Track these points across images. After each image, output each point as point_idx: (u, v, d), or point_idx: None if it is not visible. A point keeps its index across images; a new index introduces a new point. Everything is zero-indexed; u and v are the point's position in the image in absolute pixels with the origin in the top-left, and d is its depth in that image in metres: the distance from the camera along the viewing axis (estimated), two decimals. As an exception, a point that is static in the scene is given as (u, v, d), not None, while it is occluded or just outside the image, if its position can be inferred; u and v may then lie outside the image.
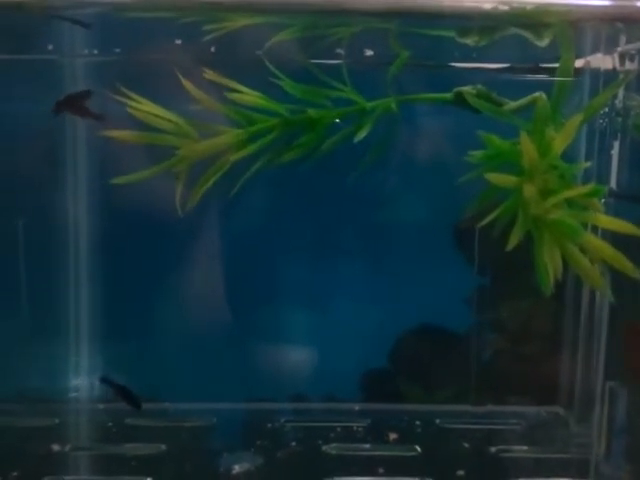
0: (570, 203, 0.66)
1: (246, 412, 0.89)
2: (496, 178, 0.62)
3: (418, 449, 0.79)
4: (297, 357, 0.92)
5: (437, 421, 0.86)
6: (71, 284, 0.90)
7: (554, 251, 0.63)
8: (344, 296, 0.92)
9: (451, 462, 0.76)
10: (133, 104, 0.73)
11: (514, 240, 0.61)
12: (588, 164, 0.72)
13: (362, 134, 0.78)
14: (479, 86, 0.80)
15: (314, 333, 0.92)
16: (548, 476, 0.74)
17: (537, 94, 0.79)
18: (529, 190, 0.60)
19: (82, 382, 0.89)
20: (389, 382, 0.95)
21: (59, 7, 0.72)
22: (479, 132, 0.66)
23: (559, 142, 0.66)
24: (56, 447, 0.78)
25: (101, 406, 0.88)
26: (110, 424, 0.84)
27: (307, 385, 0.92)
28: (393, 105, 0.77)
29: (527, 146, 0.61)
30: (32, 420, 0.85)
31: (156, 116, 0.74)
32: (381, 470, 0.74)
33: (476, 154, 0.71)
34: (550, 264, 0.62)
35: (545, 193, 0.64)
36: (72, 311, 0.90)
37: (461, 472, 0.74)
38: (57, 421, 0.85)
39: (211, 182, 0.78)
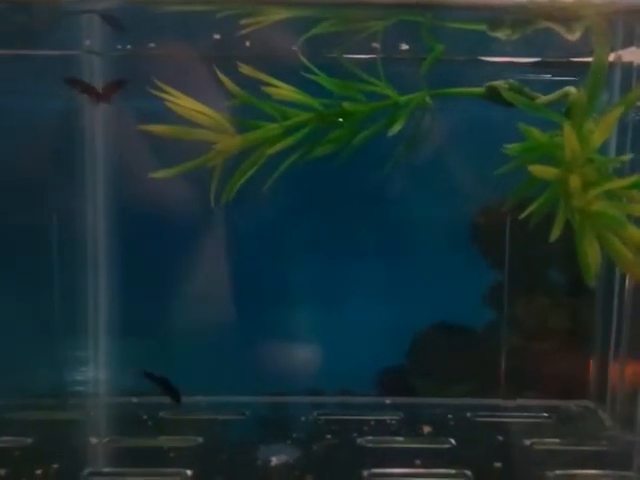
0: (609, 195, 0.66)
1: (275, 406, 0.90)
2: (538, 170, 0.63)
3: (453, 442, 0.80)
4: (314, 353, 0.93)
5: (468, 414, 0.87)
6: (98, 280, 0.91)
7: (594, 243, 0.63)
8: (361, 293, 0.93)
9: (487, 454, 0.77)
10: (170, 98, 0.74)
11: (556, 232, 0.62)
12: (628, 157, 0.72)
13: (396, 128, 0.78)
14: (511, 80, 0.81)
15: (331, 330, 0.92)
16: (584, 468, 0.75)
17: (568, 88, 0.80)
18: (575, 182, 0.60)
19: (115, 376, 0.90)
20: (406, 379, 0.96)
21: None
22: (519, 124, 0.67)
23: (598, 135, 0.66)
24: (94, 440, 0.79)
25: (134, 399, 0.89)
26: (145, 417, 0.85)
27: (324, 381, 0.93)
28: (428, 99, 0.78)
29: (570, 138, 0.62)
30: (66, 414, 0.87)
31: (194, 111, 0.75)
32: (418, 462, 0.74)
33: (513, 147, 0.71)
34: (590, 256, 0.62)
35: (585, 185, 0.65)
36: (98, 306, 0.91)
37: (498, 464, 0.75)
38: (91, 414, 0.86)
39: (246, 176, 0.79)
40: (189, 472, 0.72)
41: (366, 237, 0.93)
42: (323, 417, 0.85)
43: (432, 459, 0.75)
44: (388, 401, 0.89)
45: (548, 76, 0.88)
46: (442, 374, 0.95)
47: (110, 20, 0.81)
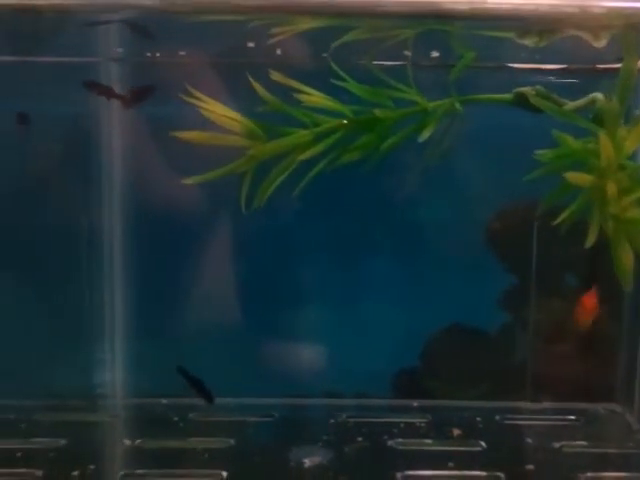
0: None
1: (303, 408, 0.91)
2: (574, 177, 0.63)
3: (483, 444, 0.81)
4: (329, 356, 0.93)
5: (497, 417, 0.87)
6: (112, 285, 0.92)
7: (628, 249, 0.64)
8: (376, 295, 0.94)
9: (518, 457, 0.77)
10: (203, 105, 0.75)
11: (592, 238, 0.62)
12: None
13: (426, 134, 0.79)
14: (538, 87, 0.82)
15: (346, 332, 0.93)
16: (613, 470, 0.75)
17: (594, 94, 0.81)
18: (611, 189, 0.61)
19: (141, 378, 0.91)
20: (420, 381, 0.96)
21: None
22: (553, 131, 0.68)
23: (630, 142, 0.67)
24: (126, 441, 0.80)
25: (164, 401, 0.90)
26: (176, 419, 0.86)
27: (339, 384, 0.94)
28: (458, 105, 0.78)
29: (606, 146, 0.62)
30: (96, 415, 0.88)
31: (225, 117, 0.76)
32: (450, 464, 0.75)
33: (545, 153, 0.72)
34: (625, 262, 0.63)
35: (618, 192, 0.65)
36: (116, 309, 0.92)
37: (530, 466, 0.75)
38: (121, 416, 0.87)
39: (277, 182, 0.80)
40: (224, 474, 0.73)
41: (382, 239, 0.94)
42: (352, 419, 0.86)
43: (464, 461, 0.76)
44: (415, 404, 0.90)
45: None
46: (456, 376, 0.95)
47: (138, 28, 0.82)
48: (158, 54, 0.88)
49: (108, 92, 0.84)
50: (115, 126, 0.89)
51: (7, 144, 0.87)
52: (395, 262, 0.93)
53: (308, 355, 0.93)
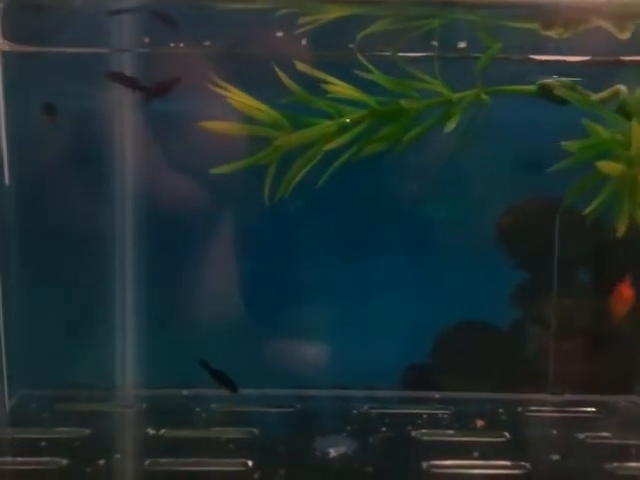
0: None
1: (323, 399, 0.91)
2: (606, 166, 0.63)
3: (507, 435, 0.81)
4: (340, 350, 0.93)
5: (519, 409, 0.87)
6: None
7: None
8: (387, 291, 0.93)
9: (543, 448, 0.77)
10: (231, 95, 0.76)
11: (622, 228, 0.62)
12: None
13: (452, 125, 0.79)
14: (563, 78, 0.82)
15: (357, 327, 0.92)
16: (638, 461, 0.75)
17: (618, 86, 0.81)
18: (646, 177, 0.61)
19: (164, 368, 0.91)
20: (431, 377, 0.96)
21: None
22: (584, 121, 0.68)
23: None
24: (150, 431, 0.80)
25: (185, 392, 0.90)
26: (198, 409, 0.86)
27: (350, 378, 0.93)
28: (484, 96, 0.78)
29: (637, 135, 0.62)
30: (118, 405, 0.87)
31: (253, 107, 0.76)
32: (476, 454, 0.75)
33: (572, 143, 0.72)
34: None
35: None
36: (127, 299, 0.92)
37: (556, 457, 0.75)
38: (144, 406, 0.88)
39: (302, 173, 0.80)
40: (250, 463, 0.73)
41: (393, 235, 0.93)
42: (374, 410, 0.86)
43: (488, 451, 0.76)
44: (437, 396, 0.90)
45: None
46: (467, 372, 0.95)
47: (162, 17, 0.82)
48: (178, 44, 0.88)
49: (132, 83, 0.84)
50: (126, 119, 0.89)
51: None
52: (406, 258, 0.93)
53: (319, 350, 0.93)
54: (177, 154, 0.89)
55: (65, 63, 0.85)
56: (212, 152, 0.85)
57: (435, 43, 0.79)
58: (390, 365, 0.93)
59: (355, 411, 0.86)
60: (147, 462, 0.73)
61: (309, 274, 0.92)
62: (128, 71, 0.85)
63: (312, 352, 0.93)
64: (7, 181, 0.83)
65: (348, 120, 0.78)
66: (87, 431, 0.79)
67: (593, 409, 0.88)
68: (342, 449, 0.75)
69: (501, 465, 0.74)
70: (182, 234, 0.90)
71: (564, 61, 0.85)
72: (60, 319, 0.90)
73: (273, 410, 0.86)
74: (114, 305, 0.90)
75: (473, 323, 0.94)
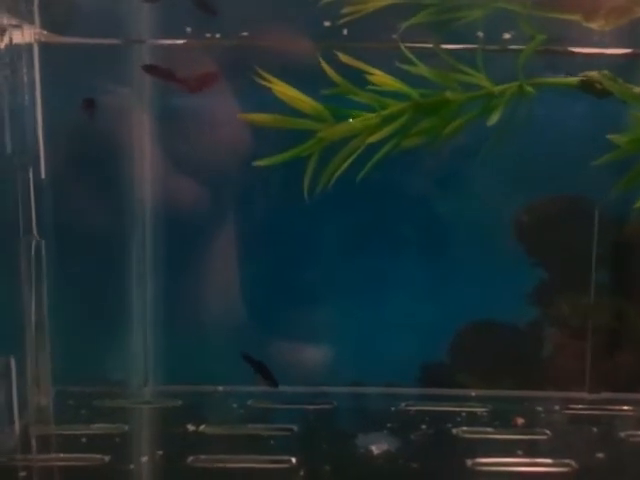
0: None
1: (358, 396, 0.91)
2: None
3: (548, 433, 0.80)
4: (358, 349, 0.93)
5: (556, 407, 0.87)
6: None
7: None
8: (405, 290, 0.93)
9: (586, 446, 0.77)
10: (275, 87, 0.75)
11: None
12: None
13: (494, 118, 0.78)
14: (604, 71, 0.81)
15: (374, 326, 0.92)
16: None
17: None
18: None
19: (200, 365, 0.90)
20: (448, 375, 0.95)
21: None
22: (632, 114, 0.67)
23: None
24: (191, 427, 0.79)
25: (220, 388, 0.90)
26: (235, 405, 0.85)
27: (367, 376, 0.93)
28: (529, 88, 0.77)
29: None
30: (153, 401, 0.87)
31: (297, 99, 0.75)
32: (519, 452, 0.75)
33: (620, 136, 0.71)
34: None
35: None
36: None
37: (600, 455, 0.75)
38: (180, 403, 0.87)
39: (344, 165, 0.79)
40: (293, 459, 0.73)
41: (411, 233, 0.93)
42: (412, 408, 0.85)
43: (532, 449, 0.76)
44: (473, 394, 0.90)
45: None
46: (486, 371, 0.95)
47: (202, 5, 0.81)
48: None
49: (169, 76, 0.83)
50: (146, 116, 0.89)
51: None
52: (424, 257, 0.93)
53: (334, 349, 0.93)
54: (192, 150, 0.89)
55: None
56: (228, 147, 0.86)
57: (480, 34, 0.79)
58: (408, 364, 0.93)
59: (393, 408, 0.85)
60: (190, 459, 0.73)
61: (329, 273, 0.92)
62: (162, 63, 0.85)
63: (329, 350, 0.92)
64: (43, 175, 0.82)
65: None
66: (126, 427, 0.79)
67: (630, 407, 0.88)
68: (384, 446, 0.75)
69: (546, 463, 0.73)
70: (198, 236, 0.90)
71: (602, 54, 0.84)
72: (91, 316, 0.90)
73: (311, 407, 0.85)
74: (143, 300, 0.90)
75: (491, 322, 0.94)
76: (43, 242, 0.73)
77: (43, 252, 0.73)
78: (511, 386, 0.93)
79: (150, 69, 0.83)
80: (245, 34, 0.84)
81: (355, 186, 0.83)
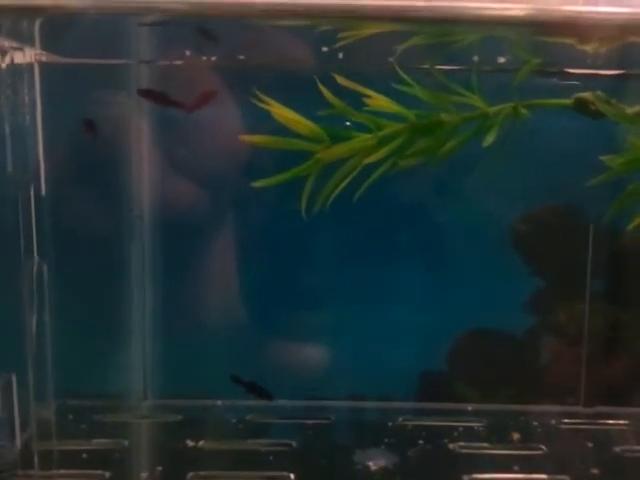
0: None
1: (355, 410, 0.91)
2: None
3: (544, 448, 0.81)
4: (352, 358, 0.93)
5: (552, 421, 0.88)
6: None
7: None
8: (402, 298, 0.93)
9: (581, 461, 0.78)
10: (273, 109, 0.76)
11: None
12: None
13: (490, 139, 0.80)
14: (598, 92, 0.82)
15: (371, 334, 0.93)
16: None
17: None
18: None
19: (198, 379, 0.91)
20: (446, 383, 0.96)
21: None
22: (628, 137, 0.68)
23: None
24: (190, 443, 0.80)
25: (219, 402, 0.90)
26: (234, 421, 0.86)
27: (363, 386, 0.94)
28: (523, 110, 0.79)
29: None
30: (152, 416, 0.88)
31: (293, 120, 0.77)
32: (515, 467, 0.76)
33: (614, 158, 0.72)
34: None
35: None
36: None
37: (595, 470, 0.76)
38: (180, 417, 0.87)
39: (341, 185, 0.80)
40: (292, 476, 0.73)
41: (408, 241, 0.94)
42: (409, 423, 0.86)
43: (527, 465, 0.76)
44: (470, 408, 0.91)
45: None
46: (483, 380, 0.95)
47: (203, 32, 0.82)
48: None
49: (164, 99, 0.84)
50: (144, 127, 0.90)
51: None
52: (422, 266, 0.93)
53: (332, 357, 0.93)
54: (193, 162, 0.90)
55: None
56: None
57: (475, 58, 0.80)
58: (406, 372, 0.93)
59: (390, 423, 0.86)
60: (189, 475, 0.73)
61: (324, 281, 0.92)
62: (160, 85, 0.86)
63: (325, 360, 0.93)
64: (44, 192, 0.84)
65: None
66: (126, 442, 0.80)
67: (625, 421, 0.89)
68: (382, 462, 0.76)
69: (541, 478, 0.74)
70: (198, 245, 0.91)
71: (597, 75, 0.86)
72: (89, 329, 0.91)
73: (309, 422, 0.86)
74: (142, 314, 0.91)
75: (488, 330, 0.95)
76: (45, 266, 0.74)
77: (45, 272, 0.74)
78: (508, 395, 0.94)
79: (145, 93, 0.84)
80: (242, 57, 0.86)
81: (354, 195, 0.84)
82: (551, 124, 0.86)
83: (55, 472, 0.73)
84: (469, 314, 0.92)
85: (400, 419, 0.87)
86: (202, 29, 0.81)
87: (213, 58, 0.86)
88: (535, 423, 0.86)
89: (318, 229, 0.90)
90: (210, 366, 0.90)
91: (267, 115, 0.78)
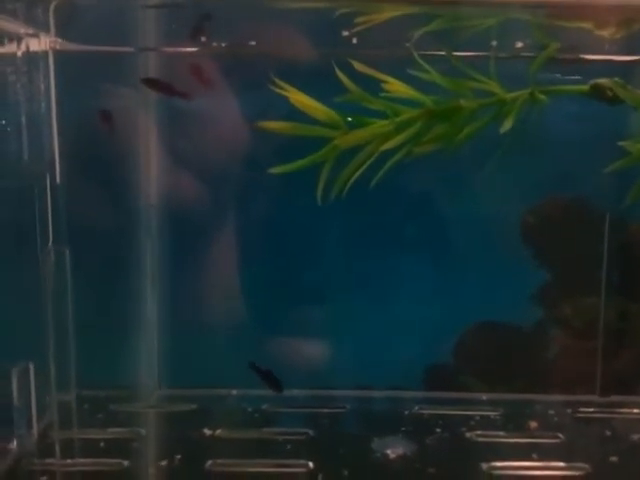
0: None
1: (369, 399, 0.91)
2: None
3: (561, 436, 0.81)
4: (360, 350, 0.93)
5: (568, 410, 0.87)
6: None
7: None
8: (409, 291, 0.93)
9: (600, 449, 0.77)
10: (291, 95, 0.75)
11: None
12: None
13: (507, 125, 0.79)
14: (615, 79, 0.82)
15: (378, 327, 0.93)
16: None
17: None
18: None
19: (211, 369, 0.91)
20: (452, 377, 0.96)
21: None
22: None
23: None
24: (207, 431, 0.80)
25: (234, 392, 0.90)
26: (249, 409, 0.86)
27: (370, 378, 0.93)
28: (541, 96, 0.78)
29: None
30: (168, 405, 0.88)
31: (311, 107, 0.76)
32: (534, 455, 0.75)
33: (633, 143, 0.72)
34: None
35: None
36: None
37: (614, 458, 0.76)
38: (195, 407, 0.87)
39: (357, 172, 0.79)
40: (311, 464, 0.73)
41: (416, 234, 0.93)
42: (425, 412, 0.86)
43: (545, 453, 0.76)
44: (484, 397, 0.90)
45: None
46: (490, 372, 0.95)
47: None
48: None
49: (168, 89, 0.84)
50: (151, 120, 0.89)
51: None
52: (429, 258, 0.93)
53: (340, 349, 0.93)
54: (200, 154, 0.89)
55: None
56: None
57: (494, 43, 0.79)
58: (412, 365, 0.93)
59: (406, 412, 0.86)
60: (209, 463, 0.73)
61: (333, 274, 0.92)
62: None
63: (332, 352, 0.93)
64: (58, 180, 0.83)
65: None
66: (143, 431, 0.79)
67: (638, 410, 0.88)
68: (400, 450, 0.76)
69: (561, 467, 0.74)
70: (206, 238, 0.91)
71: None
72: (103, 319, 0.91)
73: (325, 411, 0.86)
74: (156, 304, 0.91)
75: (495, 323, 0.95)
76: (67, 251, 0.74)
77: (67, 260, 0.74)
78: (515, 388, 0.94)
79: (149, 82, 0.84)
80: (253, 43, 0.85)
81: (360, 187, 0.84)
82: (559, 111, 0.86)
83: (73, 461, 0.73)
84: (476, 307, 0.92)
85: (416, 408, 0.87)
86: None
87: (224, 44, 0.86)
88: (551, 412, 0.86)
89: (324, 223, 0.90)
90: (223, 356, 0.90)
91: (279, 103, 0.78)
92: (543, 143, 0.88)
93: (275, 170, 0.76)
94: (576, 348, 0.94)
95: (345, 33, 0.80)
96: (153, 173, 0.90)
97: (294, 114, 0.77)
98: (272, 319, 0.92)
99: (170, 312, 0.92)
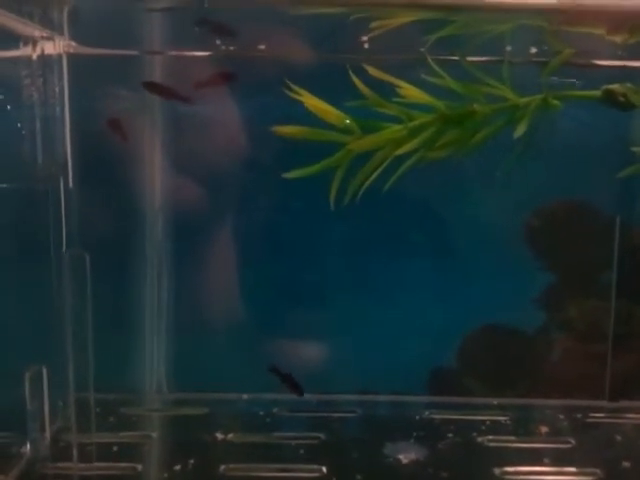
0: None
1: (379, 404, 0.91)
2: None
3: (572, 441, 0.81)
4: (363, 353, 0.93)
5: (578, 415, 0.87)
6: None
7: None
8: (413, 294, 0.93)
9: (611, 454, 0.78)
10: (305, 100, 0.75)
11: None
12: None
13: (521, 130, 0.79)
14: (628, 84, 0.82)
15: (382, 330, 0.93)
16: None
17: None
18: None
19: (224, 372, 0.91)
20: (456, 381, 0.96)
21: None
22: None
23: None
24: (220, 435, 0.80)
25: (245, 396, 0.90)
26: (261, 414, 0.86)
27: (374, 381, 0.93)
28: (555, 102, 0.78)
29: None
30: (180, 409, 0.88)
31: (325, 111, 0.76)
32: (546, 460, 0.76)
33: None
34: None
35: None
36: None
37: (626, 464, 0.76)
38: (206, 411, 0.87)
39: (371, 177, 0.79)
40: (324, 469, 0.73)
41: (420, 237, 0.94)
42: (436, 416, 0.86)
43: (557, 458, 0.76)
44: (495, 402, 0.90)
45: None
46: (494, 375, 0.95)
47: (218, 27, 0.81)
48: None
49: (168, 92, 0.83)
50: (158, 119, 0.89)
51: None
52: (433, 261, 0.93)
53: (343, 353, 0.93)
54: (205, 157, 0.89)
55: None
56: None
57: (508, 48, 0.80)
58: (416, 368, 0.93)
59: (417, 417, 0.86)
60: (222, 468, 0.73)
61: (336, 277, 0.92)
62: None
63: (335, 355, 0.93)
64: (71, 184, 0.83)
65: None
66: (154, 435, 0.79)
67: (646, 415, 0.89)
68: (412, 455, 0.76)
69: (572, 472, 0.74)
70: (212, 241, 0.91)
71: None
72: (110, 323, 0.91)
73: (335, 415, 0.86)
74: (161, 306, 0.91)
75: (499, 326, 0.95)
76: (87, 255, 0.74)
77: (87, 265, 0.74)
78: (519, 392, 0.94)
79: (150, 86, 0.84)
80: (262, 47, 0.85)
81: (366, 191, 0.84)
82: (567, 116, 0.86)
83: (86, 465, 0.72)
84: (480, 310, 0.92)
85: (427, 413, 0.87)
86: (218, 27, 0.80)
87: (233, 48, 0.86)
88: (561, 417, 0.86)
89: (330, 225, 0.90)
90: (234, 360, 0.90)
91: (292, 109, 0.78)
92: (550, 147, 0.89)
93: (289, 175, 0.76)
94: (581, 351, 0.94)
95: (359, 38, 0.81)
96: (158, 177, 0.90)
97: (293, 118, 0.78)
98: (279, 323, 0.92)
99: (178, 315, 0.92)
